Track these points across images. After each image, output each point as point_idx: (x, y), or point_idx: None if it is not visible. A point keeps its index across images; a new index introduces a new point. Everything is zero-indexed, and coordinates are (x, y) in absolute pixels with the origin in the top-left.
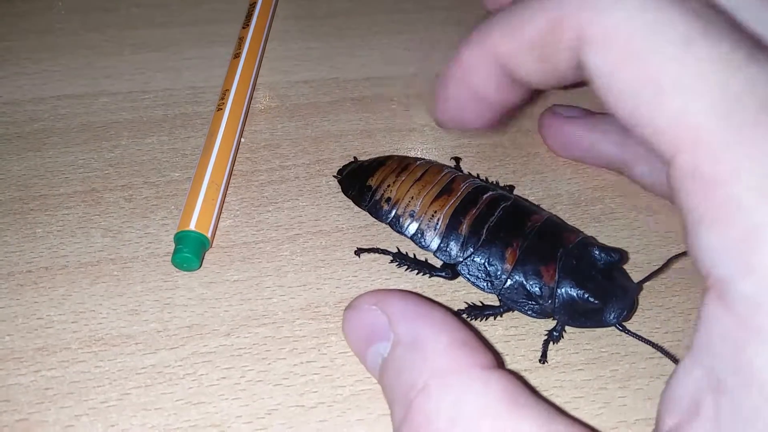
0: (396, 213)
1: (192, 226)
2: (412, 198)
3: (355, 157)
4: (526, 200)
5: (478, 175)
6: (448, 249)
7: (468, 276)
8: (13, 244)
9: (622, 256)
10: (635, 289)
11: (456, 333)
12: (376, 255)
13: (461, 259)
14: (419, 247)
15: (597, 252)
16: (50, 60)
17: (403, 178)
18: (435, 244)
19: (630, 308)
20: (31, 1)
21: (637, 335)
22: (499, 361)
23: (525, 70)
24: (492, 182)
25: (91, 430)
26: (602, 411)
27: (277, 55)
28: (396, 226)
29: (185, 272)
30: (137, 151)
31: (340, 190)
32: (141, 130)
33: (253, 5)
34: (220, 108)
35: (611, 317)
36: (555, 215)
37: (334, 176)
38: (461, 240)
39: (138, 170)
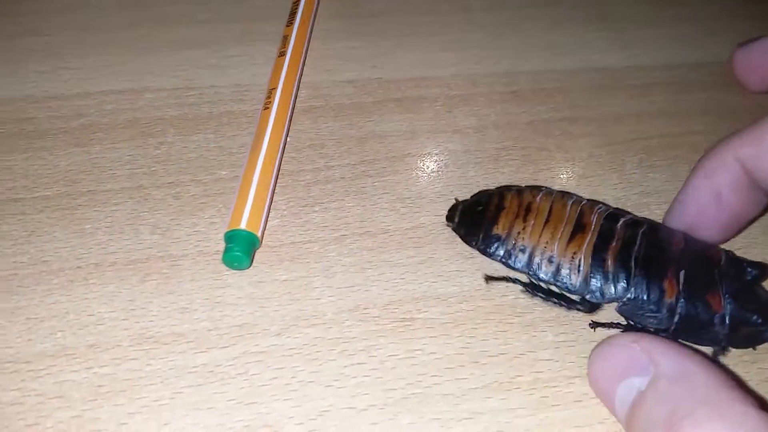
0: (535, 262)
1: (243, 225)
2: (548, 243)
3: (456, 198)
4: (646, 219)
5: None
6: (598, 289)
7: (629, 315)
8: (62, 239)
9: (765, 268)
10: None
11: (725, 374)
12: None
13: (615, 298)
14: (565, 291)
15: (746, 267)
16: (93, 55)
17: (532, 222)
18: (583, 286)
19: None
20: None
21: None
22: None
23: (766, 171)
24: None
25: (144, 428)
26: None
27: (320, 54)
28: (536, 274)
29: (235, 271)
30: (183, 148)
31: (458, 238)
32: (187, 128)
33: (296, 3)
34: (267, 107)
35: None
36: (684, 232)
37: (446, 224)
38: (610, 278)
39: (185, 168)
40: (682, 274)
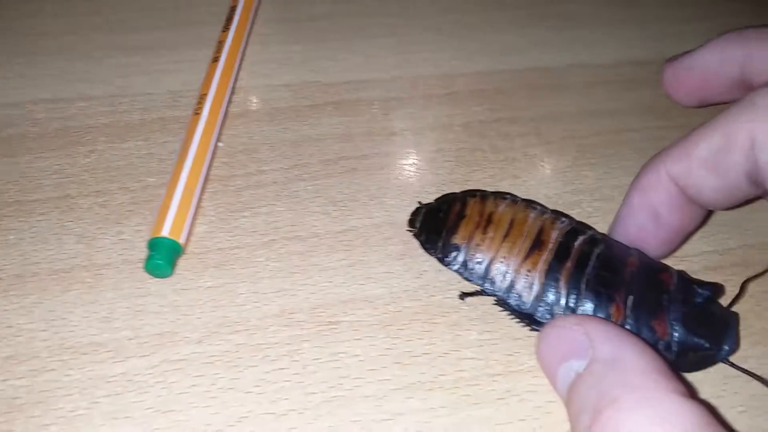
0: (491, 275)
1: (165, 233)
2: (505, 257)
3: (419, 202)
4: (606, 236)
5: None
6: (547, 310)
7: None
8: None
9: (718, 289)
10: (735, 319)
11: (657, 361)
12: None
13: None
14: (516, 308)
15: (696, 289)
16: (27, 64)
17: (491, 234)
18: (533, 305)
19: (738, 341)
20: (18, 6)
21: (742, 368)
22: (693, 394)
23: (697, 185)
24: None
25: None
26: None
27: (257, 58)
28: (491, 287)
29: (158, 279)
30: (113, 156)
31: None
32: (118, 135)
33: (233, 8)
34: (197, 112)
35: (723, 354)
36: (640, 250)
37: (408, 230)
38: (560, 299)
39: (114, 176)
40: (630, 299)
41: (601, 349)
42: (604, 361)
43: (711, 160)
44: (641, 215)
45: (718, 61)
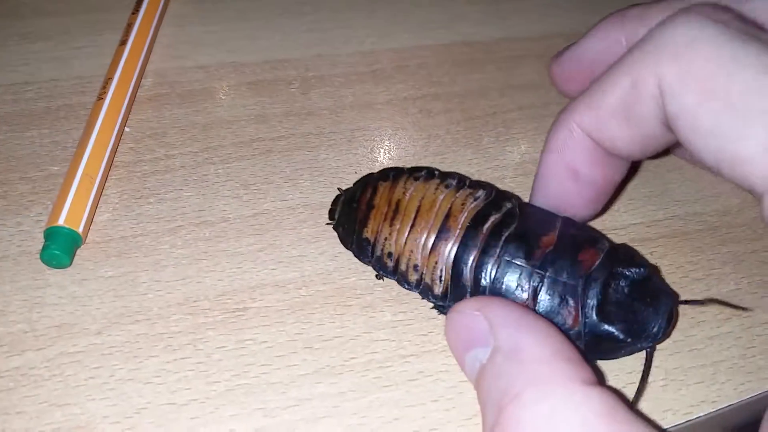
0: (401, 269)
1: (61, 222)
2: (412, 251)
3: (339, 188)
4: (530, 207)
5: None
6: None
7: None
8: None
9: (651, 271)
10: (669, 304)
11: (559, 345)
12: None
13: None
14: (430, 302)
15: (623, 271)
16: None
17: (398, 227)
18: (444, 298)
19: (665, 329)
20: None
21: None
22: (600, 379)
23: (611, 137)
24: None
25: None
26: None
27: (171, 40)
28: (404, 283)
29: (56, 270)
30: (15, 145)
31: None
32: (21, 124)
33: None
34: (101, 97)
35: (642, 347)
36: (568, 219)
37: (327, 224)
38: (467, 290)
39: (15, 165)
40: (543, 284)
41: (501, 337)
42: (505, 351)
43: (621, 110)
44: (559, 176)
45: (603, 48)
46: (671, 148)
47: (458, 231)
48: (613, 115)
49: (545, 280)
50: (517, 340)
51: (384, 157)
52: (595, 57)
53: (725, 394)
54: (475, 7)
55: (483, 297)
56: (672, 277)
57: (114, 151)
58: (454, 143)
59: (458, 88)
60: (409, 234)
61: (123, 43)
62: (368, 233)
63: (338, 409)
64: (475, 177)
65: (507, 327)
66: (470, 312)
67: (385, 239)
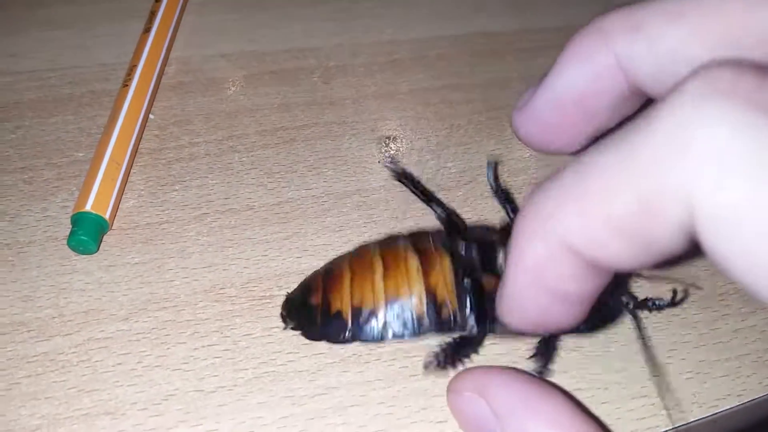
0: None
1: (88, 207)
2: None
3: (286, 293)
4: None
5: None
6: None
7: None
8: None
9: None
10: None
11: (569, 419)
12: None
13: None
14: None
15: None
16: None
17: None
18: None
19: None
20: None
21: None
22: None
23: (611, 256)
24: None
25: None
26: None
27: (193, 28)
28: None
29: (83, 256)
30: (41, 131)
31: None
32: (46, 110)
33: None
34: (125, 84)
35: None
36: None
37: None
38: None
39: (40, 151)
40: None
41: (508, 424)
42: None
43: (626, 229)
44: (539, 300)
45: (589, 80)
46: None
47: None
48: (616, 234)
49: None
50: (524, 421)
51: (407, 147)
52: (581, 95)
53: (750, 387)
54: None
55: (478, 372)
56: None
57: (139, 138)
58: (477, 133)
59: (478, 78)
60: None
61: (147, 30)
62: (338, 306)
63: (365, 398)
64: (501, 167)
65: (513, 415)
66: (468, 395)
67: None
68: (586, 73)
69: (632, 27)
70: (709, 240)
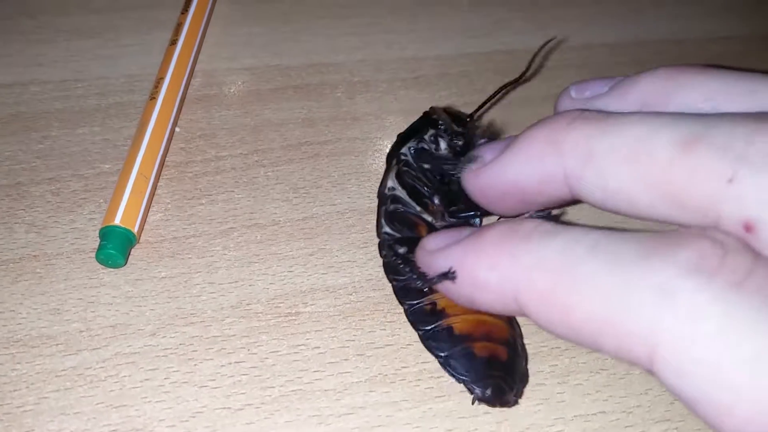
0: None
1: (117, 221)
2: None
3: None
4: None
5: None
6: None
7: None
8: None
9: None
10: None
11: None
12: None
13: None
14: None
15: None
16: None
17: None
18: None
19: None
20: None
21: None
22: None
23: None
24: None
25: None
26: (539, 407)
27: (218, 41)
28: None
29: (111, 269)
30: (67, 142)
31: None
32: (72, 120)
33: None
34: (153, 97)
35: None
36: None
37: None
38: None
39: (67, 162)
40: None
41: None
42: None
43: None
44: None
45: (536, 179)
46: None
47: None
48: None
49: None
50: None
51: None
52: (525, 186)
53: None
54: (516, 15)
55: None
56: None
57: (166, 152)
58: None
59: (503, 96)
60: None
61: (173, 42)
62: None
63: (392, 419)
64: None
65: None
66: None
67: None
68: (533, 173)
69: (586, 154)
70: (670, 380)
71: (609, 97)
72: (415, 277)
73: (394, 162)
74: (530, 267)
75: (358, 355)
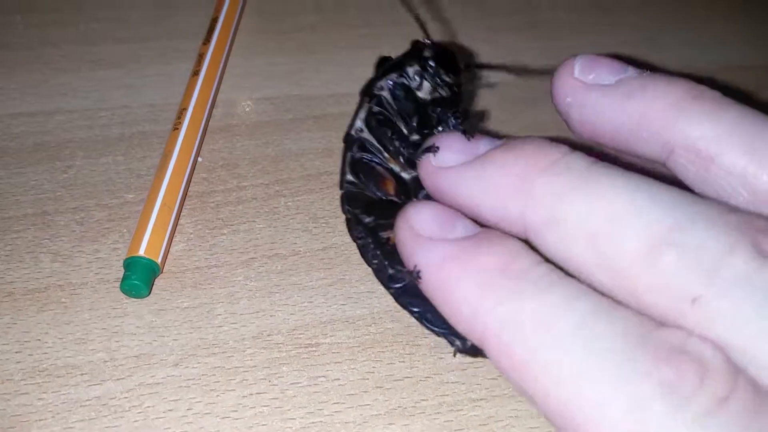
0: None
1: (142, 252)
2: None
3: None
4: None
5: None
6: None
7: None
8: None
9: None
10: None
11: None
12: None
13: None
14: None
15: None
16: (4, 77)
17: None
18: None
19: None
20: None
21: None
22: None
23: None
24: None
25: None
26: None
27: (239, 71)
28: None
29: (135, 299)
30: (91, 171)
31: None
32: (96, 150)
33: (214, 20)
34: (176, 128)
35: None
36: None
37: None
38: None
39: (91, 191)
40: None
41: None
42: None
43: None
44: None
45: (498, 214)
46: None
47: None
48: None
49: None
50: None
51: None
52: (482, 214)
53: None
54: (531, 44)
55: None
56: None
57: (189, 182)
58: None
59: (514, 126)
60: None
61: (196, 73)
62: None
63: None
64: None
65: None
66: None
67: None
68: (493, 209)
69: (551, 218)
70: None
71: (609, 96)
72: (386, 264)
73: (366, 99)
74: (505, 319)
75: (378, 387)
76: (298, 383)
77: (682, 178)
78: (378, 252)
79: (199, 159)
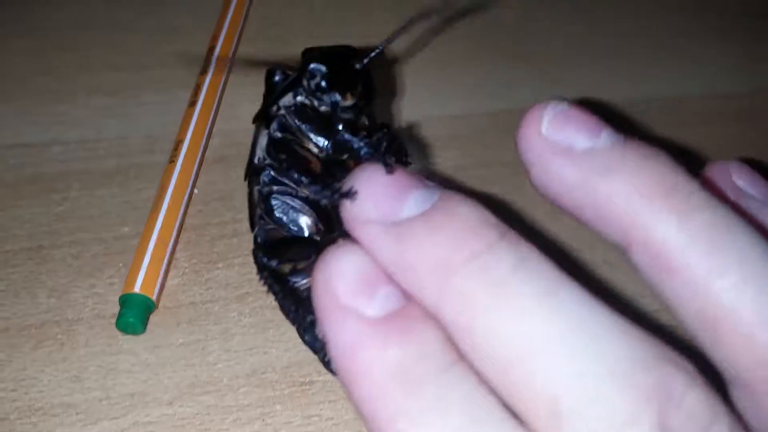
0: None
1: (137, 289)
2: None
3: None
4: None
5: None
6: None
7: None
8: None
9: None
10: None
11: None
12: None
13: None
14: None
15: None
16: (4, 105)
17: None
18: None
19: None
20: None
21: None
22: None
23: None
24: None
25: None
26: None
27: (236, 100)
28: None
29: (130, 335)
30: (87, 204)
31: None
32: (92, 181)
33: (211, 50)
34: (172, 160)
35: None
36: None
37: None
38: None
39: (87, 225)
40: None
41: None
42: None
43: None
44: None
45: (411, 295)
46: None
47: None
48: None
49: None
50: None
51: None
52: (406, 291)
53: None
54: (518, 75)
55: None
56: None
57: (185, 215)
58: (508, 214)
59: (511, 156)
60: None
61: (192, 104)
62: None
63: None
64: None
65: None
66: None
67: None
68: (411, 291)
69: (458, 325)
70: None
71: (574, 166)
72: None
73: (263, 127)
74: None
75: None
76: (291, 422)
77: (639, 271)
78: (289, 302)
79: (195, 191)
